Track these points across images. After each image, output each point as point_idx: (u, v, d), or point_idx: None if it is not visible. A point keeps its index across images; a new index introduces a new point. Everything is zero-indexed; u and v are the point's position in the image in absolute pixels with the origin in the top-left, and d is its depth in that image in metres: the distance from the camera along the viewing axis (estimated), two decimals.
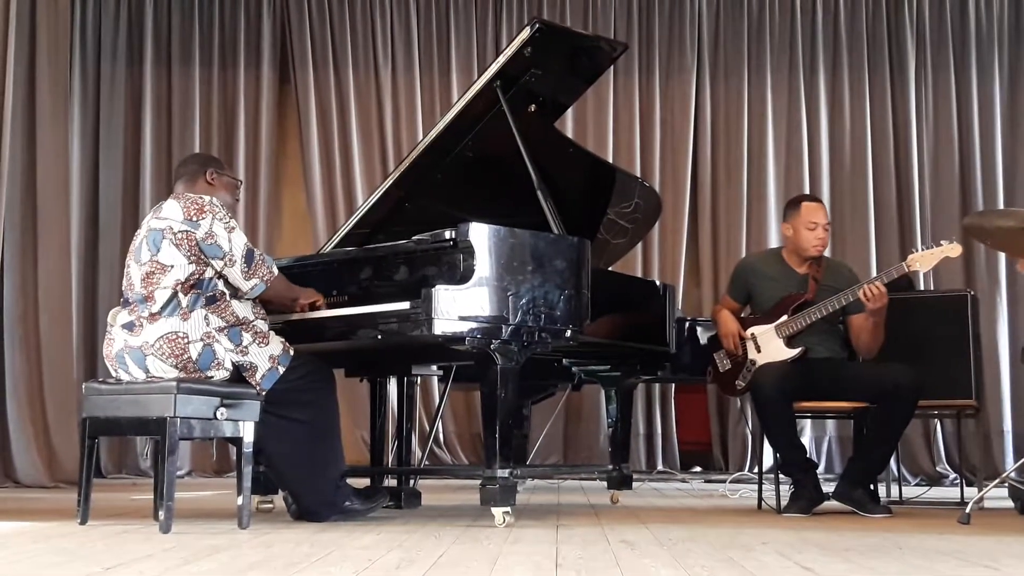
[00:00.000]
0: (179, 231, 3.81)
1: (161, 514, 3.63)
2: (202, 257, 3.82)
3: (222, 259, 3.84)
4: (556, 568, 2.76)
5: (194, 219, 3.83)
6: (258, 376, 3.86)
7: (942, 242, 4.65)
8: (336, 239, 4.90)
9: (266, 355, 3.89)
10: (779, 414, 4.64)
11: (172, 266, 3.81)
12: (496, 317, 3.91)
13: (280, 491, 4.32)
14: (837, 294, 4.69)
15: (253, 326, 3.92)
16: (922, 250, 4.67)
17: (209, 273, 3.85)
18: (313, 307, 4.18)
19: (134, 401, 3.75)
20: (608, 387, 5.57)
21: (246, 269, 3.89)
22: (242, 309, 3.92)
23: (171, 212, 3.87)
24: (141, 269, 3.86)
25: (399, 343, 4.12)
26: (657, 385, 7.90)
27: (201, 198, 3.90)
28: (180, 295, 3.80)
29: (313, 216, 8.11)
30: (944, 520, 4.40)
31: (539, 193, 4.42)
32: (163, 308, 3.79)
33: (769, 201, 8.14)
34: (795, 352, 4.74)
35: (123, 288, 3.99)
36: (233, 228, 3.89)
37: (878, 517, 4.50)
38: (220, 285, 3.88)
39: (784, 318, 4.78)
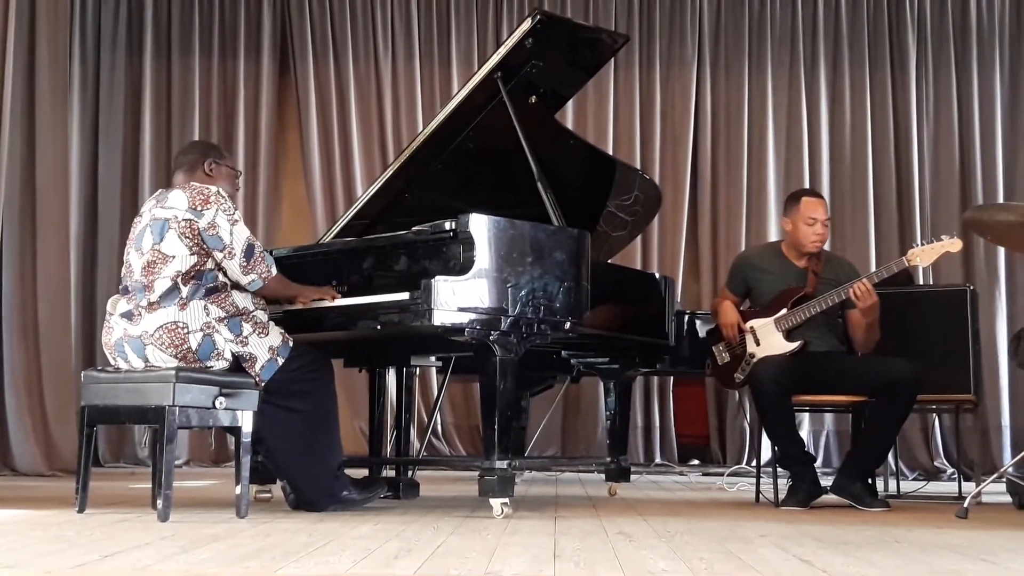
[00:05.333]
0: (183, 219, 3.80)
1: (159, 503, 3.62)
2: (204, 248, 3.82)
3: (222, 251, 3.83)
4: (554, 559, 2.76)
5: (198, 208, 3.81)
6: (257, 367, 3.85)
7: (943, 237, 4.64)
8: (336, 229, 4.90)
9: (266, 346, 3.89)
10: (778, 407, 4.64)
11: (174, 256, 3.80)
12: (495, 308, 3.90)
13: (278, 481, 4.31)
14: (836, 288, 4.69)
15: (253, 316, 3.91)
16: (922, 245, 4.67)
17: (210, 265, 3.84)
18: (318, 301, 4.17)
19: (133, 389, 3.74)
20: (607, 379, 5.58)
21: (244, 264, 3.87)
22: (242, 300, 3.91)
23: (176, 202, 3.85)
24: (142, 258, 3.84)
25: (398, 334, 4.12)
26: (656, 378, 7.91)
27: (208, 189, 3.88)
28: (180, 285, 3.79)
29: (313, 207, 8.12)
30: (942, 514, 4.41)
31: (539, 185, 4.41)
32: (162, 297, 3.78)
33: (769, 195, 8.14)
34: (794, 346, 4.74)
35: (122, 275, 3.98)
36: (236, 221, 3.88)
37: (876, 511, 4.49)
38: (221, 276, 3.87)
39: (783, 311, 4.78)
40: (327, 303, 4.12)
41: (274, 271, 3.99)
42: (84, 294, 7.70)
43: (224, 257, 3.84)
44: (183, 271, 3.79)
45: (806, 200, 4.93)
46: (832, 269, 4.91)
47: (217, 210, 3.83)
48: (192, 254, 3.80)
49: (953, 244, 4.60)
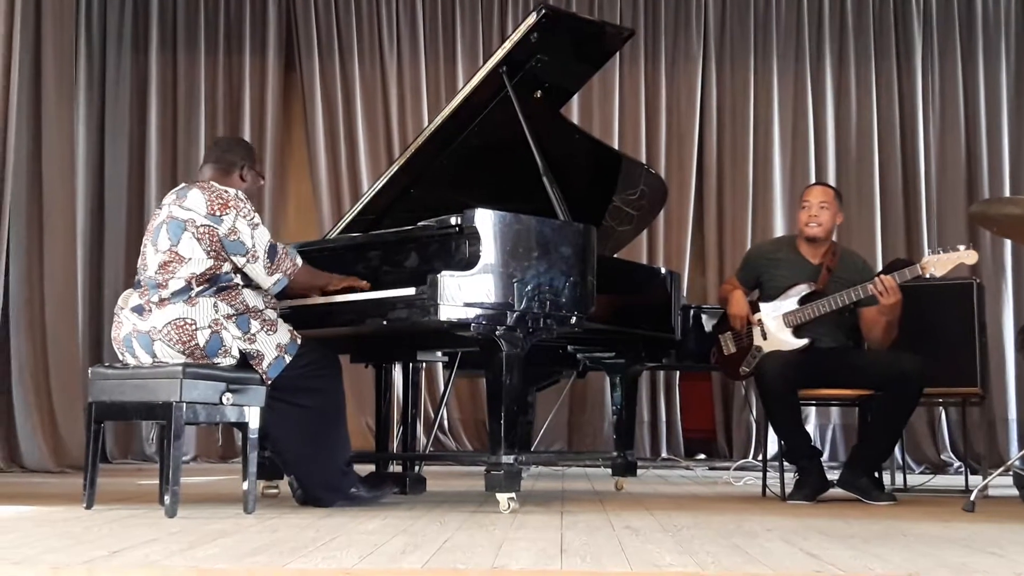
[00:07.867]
0: (201, 225, 3.80)
1: (167, 499, 3.63)
2: (222, 253, 3.82)
3: (244, 255, 3.84)
4: (561, 554, 2.76)
5: (217, 214, 3.81)
6: (264, 365, 3.85)
7: (959, 247, 4.62)
8: (341, 225, 4.90)
9: (273, 343, 3.89)
10: (784, 402, 4.64)
11: (190, 259, 3.80)
12: (501, 303, 3.90)
13: (286, 476, 4.32)
14: (849, 288, 4.67)
15: (262, 314, 3.91)
16: (938, 253, 4.65)
17: (226, 268, 3.84)
18: (348, 289, 4.15)
19: (140, 386, 3.75)
20: (613, 374, 5.58)
21: (268, 264, 3.88)
22: (253, 298, 3.91)
23: (195, 203, 3.84)
24: (158, 256, 3.85)
25: (404, 329, 4.12)
26: (661, 372, 7.91)
27: (227, 192, 3.88)
28: (193, 285, 3.80)
29: (318, 203, 8.12)
30: (949, 508, 4.41)
31: (545, 179, 4.41)
32: (174, 295, 3.79)
33: (774, 189, 8.13)
34: (801, 343, 4.73)
35: (138, 267, 3.97)
36: (257, 224, 3.88)
37: (882, 504, 4.50)
38: (236, 278, 3.87)
39: (794, 308, 4.77)
40: (332, 298, 4.13)
41: (300, 262, 4.00)
42: (91, 290, 7.71)
43: (248, 261, 3.85)
44: (198, 273, 3.80)
45: (805, 188, 5.04)
46: (845, 267, 4.88)
47: (237, 215, 3.83)
48: (209, 258, 3.81)
49: (969, 256, 4.59)
